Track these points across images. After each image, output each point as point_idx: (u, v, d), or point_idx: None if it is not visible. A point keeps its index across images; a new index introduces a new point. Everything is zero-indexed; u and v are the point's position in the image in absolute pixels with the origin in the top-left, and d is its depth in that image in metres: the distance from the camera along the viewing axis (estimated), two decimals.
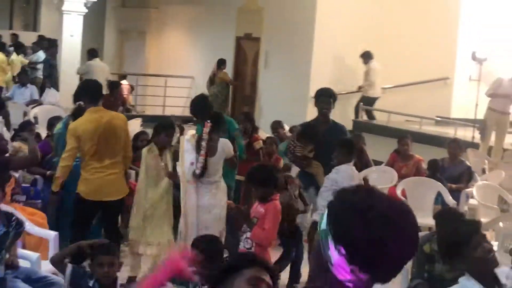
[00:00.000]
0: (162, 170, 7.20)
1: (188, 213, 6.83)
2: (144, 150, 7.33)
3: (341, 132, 7.85)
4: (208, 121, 6.82)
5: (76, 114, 7.79)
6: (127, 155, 7.07)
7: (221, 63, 16.47)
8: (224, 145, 7.00)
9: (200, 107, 7.71)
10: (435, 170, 9.63)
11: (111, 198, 6.91)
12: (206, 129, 6.75)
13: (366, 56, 15.24)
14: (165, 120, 8.70)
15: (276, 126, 11.05)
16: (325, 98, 7.93)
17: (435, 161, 9.77)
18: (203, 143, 6.75)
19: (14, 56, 17.87)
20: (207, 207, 6.83)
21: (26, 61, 17.80)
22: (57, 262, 4.94)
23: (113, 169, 6.87)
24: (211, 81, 16.49)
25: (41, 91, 15.93)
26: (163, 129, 7.32)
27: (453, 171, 9.94)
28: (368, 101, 15.18)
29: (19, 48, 17.62)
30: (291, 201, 7.31)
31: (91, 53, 15.97)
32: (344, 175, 6.83)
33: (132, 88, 18.75)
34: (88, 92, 7.59)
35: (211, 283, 2.64)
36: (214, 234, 6.41)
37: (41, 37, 18.99)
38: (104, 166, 6.85)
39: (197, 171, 6.75)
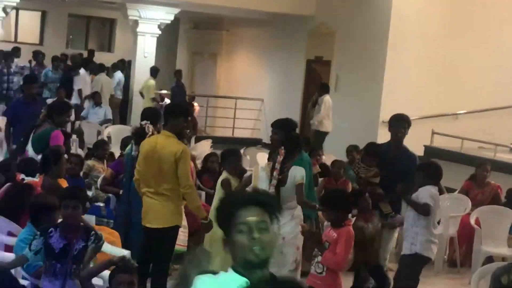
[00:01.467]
0: None
1: None
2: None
3: (411, 160, 7.69)
4: (282, 147, 6.73)
5: (136, 134, 7.92)
6: (181, 189, 6.61)
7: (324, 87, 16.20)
8: (295, 172, 6.71)
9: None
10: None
11: (150, 225, 6.74)
12: (280, 158, 6.62)
13: (322, 88, 15.55)
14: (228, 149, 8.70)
15: (351, 149, 10.88)
16: (400, 123, 7.84)
17: None
18: (275, 173, 6.63)
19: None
20: (288, 236, 6.65)
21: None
22: (86, 278, 5.07)
23: (157, 196, 6.68)
24: (314, 104, 16.48)
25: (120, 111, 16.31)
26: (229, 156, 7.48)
27: None
28: (320, 136, 15.30)
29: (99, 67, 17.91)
30: (377, 231, 7.07)
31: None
32: (425, 193, 6.68)
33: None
34: (149, 113, 7.82)
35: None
36: (288, 261, 6.40)
37: (121, 60, 19.42)
38: (151, 192, 6.73)
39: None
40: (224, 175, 7.50)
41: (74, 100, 16.10)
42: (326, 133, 15.62)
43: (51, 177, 7.07)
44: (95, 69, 17.53)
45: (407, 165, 7.44)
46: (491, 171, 10.11)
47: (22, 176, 7.38)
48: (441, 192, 9.81)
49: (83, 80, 16.57)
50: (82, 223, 5.59)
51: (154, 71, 17.40)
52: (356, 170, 7.92)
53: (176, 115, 6.70)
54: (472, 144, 14.40)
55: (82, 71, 16.81)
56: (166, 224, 6.67)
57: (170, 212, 6.66)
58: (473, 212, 9.26)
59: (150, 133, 7.89)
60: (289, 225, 6.60)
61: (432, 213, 6.64)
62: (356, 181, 8.11)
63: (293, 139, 6.91)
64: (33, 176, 7.43)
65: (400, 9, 15.03)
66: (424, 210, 6.57)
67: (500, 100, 15.26)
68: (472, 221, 9.12)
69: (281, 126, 7.32)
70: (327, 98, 15.50)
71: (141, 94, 17.06)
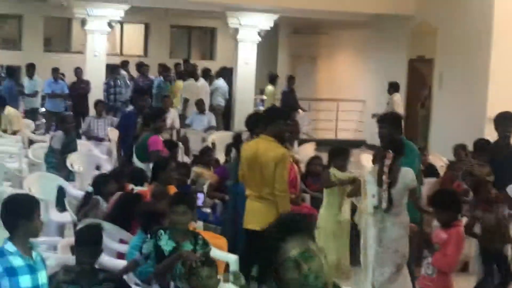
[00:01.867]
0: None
1: (368, 246, 6.62)
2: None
3: None
4: (390, 150, 6.58)
5: (235, 140, 8.03)
6: (275, 193, 6.55)
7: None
8: (406, 175, 6.49)
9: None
10: None
11: (252, 226, 6.65)
12: (388, 161, 6.46)
13: (392, 87, 15.77)
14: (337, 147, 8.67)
15: (458, 148, 10.53)
16: (507, 121, 7.61)
17: None
18: (384, 177, 6.41)
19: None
20: (387, 240, 6.54)
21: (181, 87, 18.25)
22: (159, 275, 5.11)
23: (261, 199, 6.63)
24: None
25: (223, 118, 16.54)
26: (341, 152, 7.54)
27: None
28: None
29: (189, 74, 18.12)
30: (500, 221, 6.78)
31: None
32: None
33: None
34: (249, 120, 7.88)
35: None
36: (386, 264, 6.29)
37: (223, 68, 19.65)
38: (255, 195, 6.69)
39: (383, 206, 6.40)
40: (333, 171, 7.49)
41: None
42: None
43: (160, 184, 7.21)
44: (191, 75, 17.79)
45: None
46: None
47: (131, 186, 7.55)
48: None
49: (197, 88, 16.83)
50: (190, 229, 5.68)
51: (272, 78, 17.70)
52: (468, 168, 7.73)
53: (276, 118, 6.68)
54: None
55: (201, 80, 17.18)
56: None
57: (272, 215, 6.42)
58: None
59: (245, 140, 7.96)
60: (390, 231, 6.42)
61: None
62: (468, 184, 7.85)
63: (397, 140, 6.73)
64: (142, 185, 7.59)
65: (503, 3, 14.60)
66: None
67: None
68: None
69: (388, 120, 7.24)
70: (397, 97, 15.83)
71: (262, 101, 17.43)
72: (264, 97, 18.78)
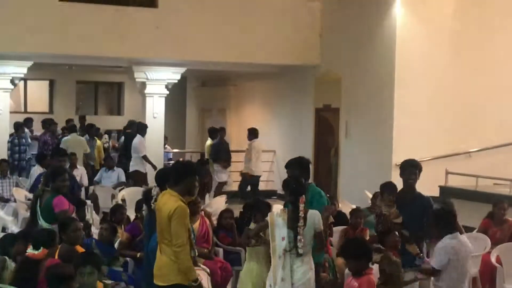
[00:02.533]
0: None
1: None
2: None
3: (426, 204, 7.72)
4: (303, 196, 6.73)
5: (145, 196, 8.05)
6: (172, 247, 6.43)
7: None
8: (313, 217, 6.76)
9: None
10: None
11: (156, 281, 6.59)
12: (302, 205, 6.63)
13: (250, 133, 17.02)
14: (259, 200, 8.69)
15: (376, 195, 10.84)
16: (411, 168, 7.89)
17: None
18: (301, 222, 6.60)
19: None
20: (296, 281, 6.69)
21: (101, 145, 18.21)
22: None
23: (163, 253, 6.56)
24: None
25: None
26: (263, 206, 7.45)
27: None
28: (251, 180, 16.80)
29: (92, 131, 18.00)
30: (396, 272, 6.98)
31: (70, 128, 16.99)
32: (441, 250, 6.63)
33: None
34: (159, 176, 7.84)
35: None
36: None
37: (131, 122, 19.50)
38: (159, 249, 6.65)
39: (300, 251, 6.59)
40: (253, 226, 7.49)
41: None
42: (259, 177, 17.30)
43: (66, 244, 7.08)
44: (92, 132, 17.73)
45: (423, 209, 7.46)
46: (509, 208, 10.05)
47: (29, 249, 7.32)
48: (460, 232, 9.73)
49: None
50: None
51: (211, 132, 17.86)
52: (378, 210, 7.93)
53: (184, 174, 6.61)
54: (487, 181, 14.32)
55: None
56: (168, 282, 6.44)
57: (172, 271, 6.41)
58: (494, 250, 9.20)
59: (155, 195, 7.91)
60: (300, 271, 6.64)
61: (449, 267, 6.56)
62: (379, 222, 8.03)
63: (299, 183, 6.96)
64: (51, 246, 7.38)
65: (404, 51, 15.08)
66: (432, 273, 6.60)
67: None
68: (493, 260, 9.05)
69: (296, 164, 7.59)
70: (256, 143, 17.15)
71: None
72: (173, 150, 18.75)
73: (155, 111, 17.85)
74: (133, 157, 16.14)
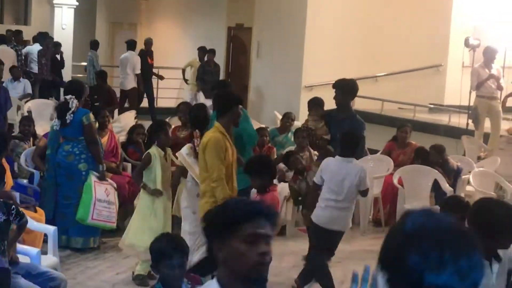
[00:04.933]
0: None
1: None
2: (155, 150, 7.07)
3: (355, 126, 7.70)
4: (197, 130, 6.67)
5: (60, 109, 7.93)
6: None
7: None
8: None
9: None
10: (423, 158, 9.56)
11: None
12: (197, 141, 6.54)
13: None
14: (159, 120, 8.45)
15: (283, 117, 10.96)
16: (318, 106, 8.15)
17: (422, 149, 9.73)
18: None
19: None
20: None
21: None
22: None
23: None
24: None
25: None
26: (160, 128, 7.16)
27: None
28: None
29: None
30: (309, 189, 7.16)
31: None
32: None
33: None
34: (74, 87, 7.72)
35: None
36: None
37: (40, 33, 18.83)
38: None
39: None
40: (153, 149, 7.30)
41: None
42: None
43: None
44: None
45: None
46: (412, 131, 10.34)
47: None
48: (364, 154, 9.99)
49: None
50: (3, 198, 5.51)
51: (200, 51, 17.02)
52: (305, 125, 8.04)
53: (230, 104, 6.29)
54: (392, 105, 14.68)
55: None
56: None
57: None
58: (396, 172, 9.47)
59: (74, 108, 7.80)
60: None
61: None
62: (308, 136, 8.14)
63: (199, 117, 6.85)
64: None
65: None
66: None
67: (418, 61, 15.55)
68: (395, 181, 9.33)
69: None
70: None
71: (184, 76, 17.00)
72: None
73: (63, 22, 17.38)
74: (127, 74, 15.87)
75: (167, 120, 9.26)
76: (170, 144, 7.31)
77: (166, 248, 4.06)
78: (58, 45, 16.65)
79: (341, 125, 7.38)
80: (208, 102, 11.07)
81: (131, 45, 16.31)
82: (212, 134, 6.10)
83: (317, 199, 6.68)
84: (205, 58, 16.53)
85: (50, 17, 17.72)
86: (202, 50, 16.86)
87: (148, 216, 6.94)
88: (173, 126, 8.51)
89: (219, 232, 2.42)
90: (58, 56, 16.51)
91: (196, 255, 6.11)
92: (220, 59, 17.00)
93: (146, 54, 16.66)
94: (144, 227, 6.90)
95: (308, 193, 7.28)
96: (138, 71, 16.00)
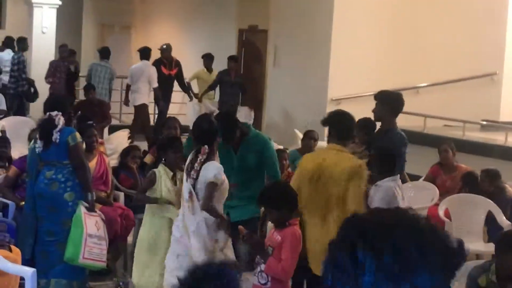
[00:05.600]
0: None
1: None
2: (161, 169, 7.29)
3: (395, 141, 7.82)
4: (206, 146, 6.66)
5: (43, 126, 7.99)
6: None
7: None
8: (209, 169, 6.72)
9: None
10: (472, 185, 9.51)
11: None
12: (201, 157, 6.60)
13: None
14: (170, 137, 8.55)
15: (309, 135, 10.93)
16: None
17: (471, 174, 9.69)
18: (193, 173, 6.62)
19: None
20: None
21: None
22: None
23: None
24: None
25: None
26: (170, 145, 7.33)
27: None
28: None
29: None
30: None
31: None
32: (380, 193, 6.82)
33: None
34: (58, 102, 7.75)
35: None
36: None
37: (8, 37, 18.95)
38: None
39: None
40: (160, 168, 7.37)
41: None
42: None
43: None
44: None
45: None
46: (460, 152, 10.30)
47: None
48: (403, 180, 9.99)
49: None
50: None
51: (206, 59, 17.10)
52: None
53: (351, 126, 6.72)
54: (437, 122, 14.65)
55: None
56: None
57: None
58: (442, 202, 9.41)
59: (61, 126, 7.81)
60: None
61: None
62: None
63: (202, 129, 6.82)
64: None
65: None
66: None
67: (468, 69, 15.53)
68: (441, 213, 9.27)
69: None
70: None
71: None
72: None
73: (44, 25, 17.49)
74: (139, 87, 15.86)
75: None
76: (180, 166, 7.38)
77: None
78: (72, 54, 16.81)
79: (380, 142, 7.47)
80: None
81: (145, 53, 16.18)
82: (359, 161, 6.47)
83: None
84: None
85: (28, 18, 17.84)
86: (208, 58, 16.84)
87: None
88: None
89: None
90: (72, 67, 16.59)
91: None
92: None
93: (161, 64, 16.54)
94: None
95: None
96: (156, 85, 15.85)
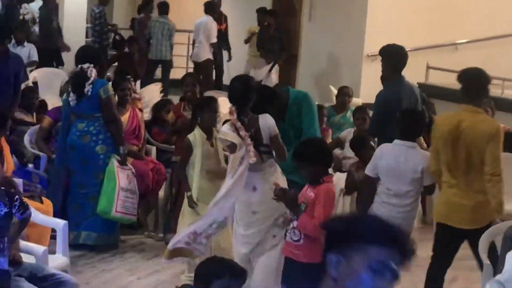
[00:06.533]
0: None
1: None
2: (196, 133, 7.20)
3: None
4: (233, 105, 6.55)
5: (75, 79, 8.00)
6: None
7: None
8: (267, 121, 6.56)
9: None
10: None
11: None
12: (233, 117, 6.44)
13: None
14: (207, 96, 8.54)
15: (343, 92, 10.94)
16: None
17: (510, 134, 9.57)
18: (241, 133, 6.38)
19: None
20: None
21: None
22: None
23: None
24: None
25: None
26: (206, 105, 7.32)
27: None
28: None
29: None
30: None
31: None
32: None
33: None
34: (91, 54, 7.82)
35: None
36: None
37: None
38: None
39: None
40: (193, 134, 7.22)
41: None
42: None
43: None
44: None
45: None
46: (499, 111, 10.19)
47: None
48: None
49: None
50: (4, 187, 5.57)
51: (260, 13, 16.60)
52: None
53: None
54: None
55: None
56: (481, 224, 6.51)
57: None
58: None
59: (93, 78, 7.84)
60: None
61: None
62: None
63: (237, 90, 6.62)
64: None
65: None
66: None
67: (506, 26, 15.32)
68: None
69: None
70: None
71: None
72: None
73: None
74: (201, 42, 16.08)
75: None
76: (215, 124, 7.37)
77: (217, 269, 4.25)
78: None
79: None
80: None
81: (209, 7, 16.29)
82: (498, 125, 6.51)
83: (374, 194, 6.67)
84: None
85: None
86: (261, 13, 16.45)
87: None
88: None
89: (339, 243, 2.48)
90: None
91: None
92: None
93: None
94: None
95: (363, 186, 7.26)
96: (214, 40, 16.09)
